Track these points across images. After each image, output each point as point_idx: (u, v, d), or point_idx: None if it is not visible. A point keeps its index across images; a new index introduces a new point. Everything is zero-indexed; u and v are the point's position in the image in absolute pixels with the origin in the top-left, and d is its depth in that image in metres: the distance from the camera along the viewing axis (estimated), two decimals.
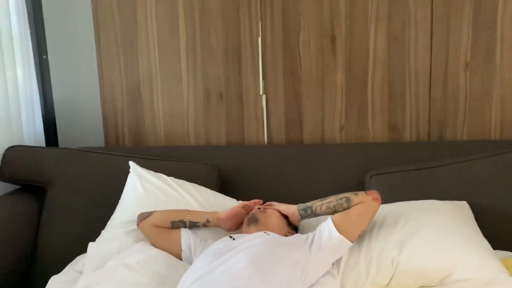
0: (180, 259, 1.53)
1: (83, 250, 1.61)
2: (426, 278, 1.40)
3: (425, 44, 2.03)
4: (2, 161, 1.89)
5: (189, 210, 1.61)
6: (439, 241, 1.43)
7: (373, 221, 1.51)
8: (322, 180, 1.94)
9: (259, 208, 1.61)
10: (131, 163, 1.83)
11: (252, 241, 1.35)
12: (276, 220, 1.54)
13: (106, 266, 1.42)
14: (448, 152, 1.93)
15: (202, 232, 1.60)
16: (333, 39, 2.06)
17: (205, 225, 1.59)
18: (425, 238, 1.44)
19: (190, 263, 1.47)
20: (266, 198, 1.80)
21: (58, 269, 1.57)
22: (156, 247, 1.54)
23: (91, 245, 1.57)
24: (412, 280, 1.40)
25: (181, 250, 1.52)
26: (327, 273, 1.40)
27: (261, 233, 1.41)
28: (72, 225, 1.81)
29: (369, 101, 2.09)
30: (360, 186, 1.88)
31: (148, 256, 1.47)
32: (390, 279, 1.41)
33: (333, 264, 1.42)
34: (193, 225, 1.59)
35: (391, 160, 1.94)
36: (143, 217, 1.58)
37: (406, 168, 1.84)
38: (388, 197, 1.71)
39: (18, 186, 1.98)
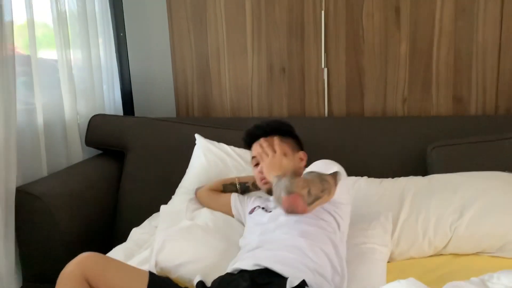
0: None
1: (157, 209, 1.78)
2: (484, 244, 1.41)
3: (495, 14, 1.96)
4: (87, 128, 2.11)
5: (238, 176, 1.73)
6: (500, 208, 1.43)
7: (432, 187, 1.56)
8: (383, 152, 1.95)
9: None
10: (196, 136, 1.96)
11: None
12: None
13: (182, 225, 1.54)
14: None
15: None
16: (397, 10, 2.05)
17: (254, 185, 1.68)
18: (486, 205, 1.45)
19: (243, 224, 1.59)
20: None
21: (136, 224, 1.76)
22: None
23: (163, 207, 1.73)
24: (470, 245, 1.42)
25: (232, 212, 1.65)
26: (378, 224, 1.45)
27: None
28: (148, 186, 1.99)
29: (433, 73, 2.07)
30: (422, 159, 1.89)
31: (217, 218, 1.60)
32: (447, 243, 1.44)
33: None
34: (243, 187, 1.70)
35: (454, 134, 1.91)
36: (198, 188, 1.75)
37: (468, 141, 1.81)
38: (449, 169, 1.72)
39: (101, 151, 2.20)
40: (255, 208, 1.51)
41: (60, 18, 1.93)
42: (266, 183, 1.50)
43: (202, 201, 1.72)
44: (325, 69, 2.16)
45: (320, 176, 1.27)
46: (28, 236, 1.68)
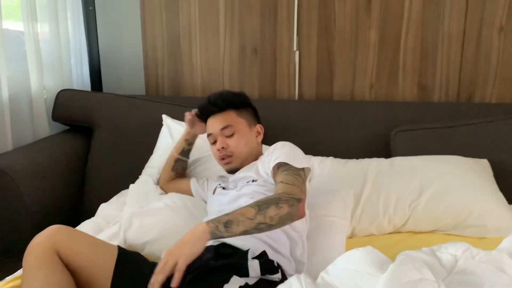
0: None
1: (125, 186, 1.78)
2: (440, 222, 1.50)
3: (461, 5, 2.04)
4: (54, 103, 2.07)
5: (175, 148, 1.70)
6: (457, 189, 1.53)
7: (394, 169, 1.65)
8: (350, 135, 2.01)
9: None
10: (164, 116, 1.96)
11: (244, 187, 1.38)
12: (242, 143, 1.47)
13: (150, 204, 1.55)
14: (476, 114, 1.96)
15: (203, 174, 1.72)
16: None
17: (189, 143, 1.69)
18: (443, 185, 1.54)
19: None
20: None
21: (103, 200, 1.75)
22: None
23: (132, 186, 1.73)
24: (428, 223, 1.51)
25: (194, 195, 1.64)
26: (339, 198, 1.51)
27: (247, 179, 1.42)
28: (116, 163, 1.98)
29: (400, 61, 2.13)
30: (386, 143, 1.96)
31: (184, 197, 1.60)
32: (406, 221, 1.52)
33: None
34: (184, 154, 1.70)
35: (419, 119, 1.98)
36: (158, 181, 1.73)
37: (430, 126, 1.89)
38: (411, 153, 1.80)
39: (68, 127, 2.16)
40: (216, 187, 1.49)
41: None
42: (227, 163, 1.47)
43: (168, 191, 1.69)
44: (297, 52, 2.19)
45: (299, 175, 1.24)
46: None
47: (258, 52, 2.23)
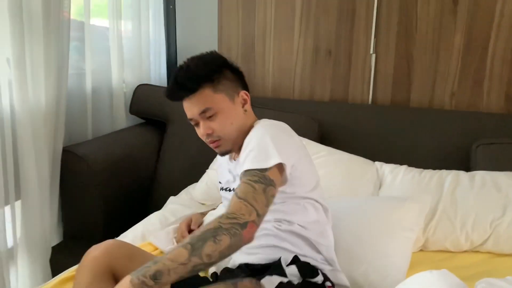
0: None
1: (195, 180, 1.82)
2: None
3: None
4: (132, 96, 2.16)
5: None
6: None
7: (474, 183, 1.52)
8: (425, 144, 1.92)
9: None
10: None
11: None
12: (228, 124, 1.20)
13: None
14: None
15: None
16: (455, 0, 1.97)
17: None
18: None
19: None
20: (363, 156, 1.85)
21: (173, 193, 1.81)
22: None
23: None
24: (510, 246, 1.38)
25: None
26: (414, 203, 1.41)
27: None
28: (187, 158, 2.03)
29: (487, 68, 1.98)
30: (466, 155, 1.83)
31: None
32: (486, 240, 1.41)
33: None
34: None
35: (502, 132, 1.85)
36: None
37: None
38: (493, 168, 1.66)
39: (143, 121, 2.25)
40: (221, 187, 1.33)
41: None
42: (217, 147, 1.22)
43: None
44: (373, 55, 2.11)
45: (259, 181, 1.05)
46: (70, 194, 1.76)
47: (332, 54, 2.18)
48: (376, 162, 1.81)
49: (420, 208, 1.43)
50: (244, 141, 1.16)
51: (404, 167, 1.74)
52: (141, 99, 2.16)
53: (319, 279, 1.10)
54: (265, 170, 1.06)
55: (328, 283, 1.13)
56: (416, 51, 2.05)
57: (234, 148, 1.24)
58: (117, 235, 1.58)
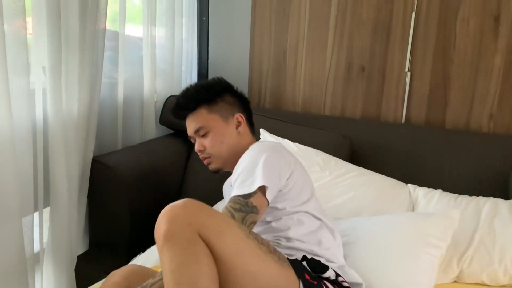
0: None
1: (221, 191, 1.79)
2: None
3: None
4: (162, 107, 2.16)
5: None
6: None
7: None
8: (461, 168, 1.85)
9: None
10: (261, 130, 1.94)
11: None
12: (219, 142, 1.33)
13: None
14: None
15: None
16: (497, 19, 1.90)
17: None
18: None
19: None
20: (395, 177, 1.80)
21: None
22: None
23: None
24: None
25: None
26: (442, 217, 1.38)
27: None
28: None
29: None
30: (504, 181, 1.75)
31: None
32: None
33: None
34: None
35: None
36: None
37: None
38: None
39: (173, 131, 2.25)
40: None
41: None
42: (208, 164, 1.36)
43: None
44: (408, 73, 2.06)
45: (245, 210, 1.08)
46: (98, 204, 1.76)
47: (365, 71, 2.14)
48: (409, 185, 1.75)
49: (447, 223, 1.37)
50: (238, 162, 1.22)
51: (439, 191, 1.67)
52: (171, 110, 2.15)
53: (330, 273, 1.10)
54: (249, 196, 1.10)
55: (340, 278, 1.13)
56: (454, 71, 1.99)
57: (226, 166, 1.36)
58: (143, 248, 1.57)
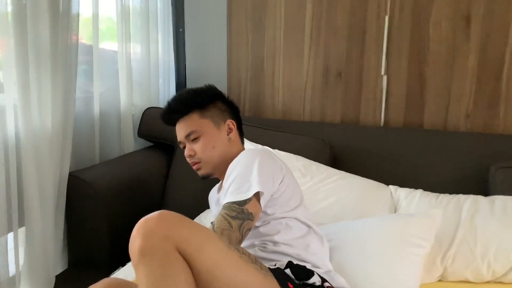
0: None
1: (204, 204, 1.77)
2: None
3: None
4: (140, 120, 2.14)
5: None
6: None
7: (495, 209, 1.46)
8: (441, 168, 1.87)
9: None
10: None
11: None
12: (210, 147, 1.32)
13: None
14: None
15: None
16: (468, 20, 1.93)
17: None
18: None
19: None
20: (376, 179, 1.80)
21: None
22: None
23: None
24: None
25: None
26: (425, 217, 1.38)
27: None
28: (195, 181, 1.96)
29: (503, 90, 1.93)
30: (482, 179, 1.77)
31: None
32: (510, 270, 1.33)
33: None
34: None
35: None
36: None
37: None
38: None
39: (152, 144, 2.23)
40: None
41: (124, 12, 1.97)
42: (197, 169, 1.35)
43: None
44: (385, 76, 2.07)
45: (241, 218, 1.07)
46: (76, 221, 1.72)
47: (342, 76, 2.15)
48: (391, 186, 1.76)
49: (429, 222, 1.38)
50: (228, 168, 1.22)
51: (420, 191, 1.68)
52: (150, 122, 2.13)
53: (315, 279, 1.09)
54: (245, 202, 1.10)
55: (327, 284, 1.11)
56: (429, 72, 2.01)
57: (216, 173, 1.35)
58: (123, 263, 1.53)
